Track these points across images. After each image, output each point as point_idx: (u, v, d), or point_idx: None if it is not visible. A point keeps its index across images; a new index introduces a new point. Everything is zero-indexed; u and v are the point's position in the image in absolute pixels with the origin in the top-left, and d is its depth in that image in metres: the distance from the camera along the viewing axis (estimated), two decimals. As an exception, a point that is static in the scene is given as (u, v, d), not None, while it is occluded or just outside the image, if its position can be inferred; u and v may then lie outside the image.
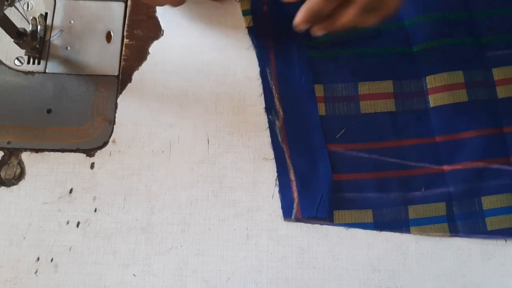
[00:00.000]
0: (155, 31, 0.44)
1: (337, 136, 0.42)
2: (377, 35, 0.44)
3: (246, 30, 0.45)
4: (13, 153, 0.41)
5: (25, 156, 0.41)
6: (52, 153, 0.41)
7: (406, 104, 0.43)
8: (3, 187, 0.40)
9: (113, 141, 0.41)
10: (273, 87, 0.43)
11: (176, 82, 0.43)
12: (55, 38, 0.44)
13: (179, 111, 0.42)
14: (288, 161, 0.41)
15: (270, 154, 0.41)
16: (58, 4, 0.45)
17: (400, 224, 0.40)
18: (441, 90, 0.42)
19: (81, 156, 0.41)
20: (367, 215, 0.40)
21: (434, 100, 0.42)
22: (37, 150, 0.41)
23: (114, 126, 0.42)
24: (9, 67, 0.43)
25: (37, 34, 0.42)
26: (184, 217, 0.40)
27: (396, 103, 0.43)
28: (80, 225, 0.39)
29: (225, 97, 0.43)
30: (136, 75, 0.43)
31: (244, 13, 0.45)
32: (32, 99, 0.42)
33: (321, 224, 0.40)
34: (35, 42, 0.42)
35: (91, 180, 0.40)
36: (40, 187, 0.40)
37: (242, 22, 0.45)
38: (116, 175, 0.40)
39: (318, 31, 0.38)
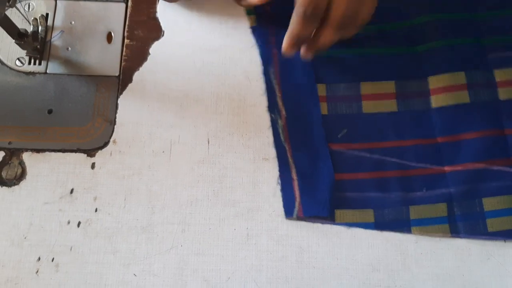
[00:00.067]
0: (156, 32, 0.45)
1: (339, 136, 0.42)
2: (380, 35, 0.44)
3: (247, 31, 0.45)
4: (14, 153, 0.41)
5: (26, 156, 0.41)
6: (53, 153, 0.41)
7: (408, 104, 0.43)
8: (4, 187, 0.40)
9: (114, 141, 0.41)
10: (276, 86, 0.43)
11: (177, 83, 0.43)
12: (56, 39, 0.44)
13: (180, 111, 0.42)
14: (290, 160, 0.41)
15: (270, 154, 0.41)
16: (59, 5, 0.45)
17: (401, 224, 0.40)
18: (443, 91, 0.42)
19: (82, 156, 0.41)
20: (368, 215, 0.40)
21: (436, 101, 0.42)
22: (38, 150, 0.41)
23: (115, 126, 0.42)
24: (10, 68, 0.43)
25: (38, 35, 0.43)
26: (185, 216, 0.40)
27: (398, 104, 0.43)
28: (81, 225, 0.39)
29: (226, 98, 0.43)
30: (136, 76, 0.43)
31: (248, 12, 0.45)
32: (33, 99, 0.42)
33: (322, 223, 0.40)
34: (36, 43, 0.42)
35: (92, 180, 0.40)
36: (41, 187, 0.40)
37: (242, 22, 0.45)
38: (116, 175, 0.41)
39: (305, 54, 0.40)
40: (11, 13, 0.42)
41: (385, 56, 0.44)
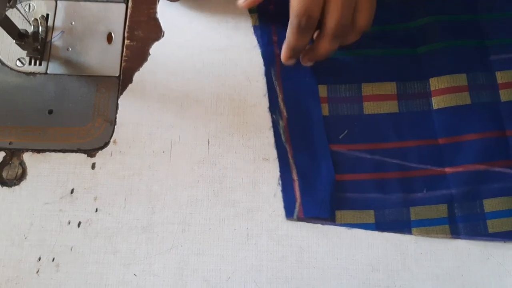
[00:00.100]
0: (156, 32, 0.45)
1: (340, 137, 0.42)
2: (381, 37, 0.44)
3: (247, 32, 0.45)
4: (14, 153, 0.41)
5: (26, 157, 0.41)
6: (53, 153, 0.41)
7: (409, 105, 0.43)
8: (5, 187, 0.40)
9: (114, 142, 0.42)
10: (277, 87, 0.43)
11: (177, 83, 0.43)
12: (57, 39, 0.44)
13: (180, 112, 0.42)
14: (291, 161, 0.41)
15: (270, 154, 0.42)
16: (59, 5, 0.45)
17: (402, 225, 0.40)
18: (444, 92, 0.42)
19: (82, 156, 0.41)
20: (369, 216, 0.40)
21: (437, 102, 0.42)
22: (38, 151, 0.41)
23: (115, 127, 0.42)
24: (10, 68, 0.43)
25: (38, 36, 0.43)
26: (185, 217, 0.40)
27: (399, 105, 0.43)
28: (81, 225, 0.39)
29: (226, 98, 0.43)
30: (137, 76, 0.43)
31: (250, 11, 0.45)
32: (33, 100, 0.42)
33: (322, 224, 0.40)
34: (36, 43, 0.42)
35: (92, 180, 0.40)
36: (41, 187, 0.40)
37: (243, 23, 0.45)
38: (117, 175, 0.41)
39: (306, 63, 0.41)
40: (12, 14, 0.42)
41: (386, 57, 0.44)
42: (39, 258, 0.39)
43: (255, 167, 0.41)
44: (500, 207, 0.40)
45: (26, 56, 0.43)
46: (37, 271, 0.38)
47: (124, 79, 0.43)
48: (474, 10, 0.45)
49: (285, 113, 0.42)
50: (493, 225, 0.40)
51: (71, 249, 0.39)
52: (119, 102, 0.43)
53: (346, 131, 0.42)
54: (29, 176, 0.40)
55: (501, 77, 0.43)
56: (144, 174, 0.41)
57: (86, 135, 0.41)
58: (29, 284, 0.38)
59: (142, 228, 0.39)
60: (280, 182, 0.41)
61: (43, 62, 0.43)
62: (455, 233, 0.40)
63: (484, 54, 0.44)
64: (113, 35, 0.44)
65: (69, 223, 0.39)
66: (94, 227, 0.39)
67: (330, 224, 0.40)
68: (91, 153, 0.41)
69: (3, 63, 0.43)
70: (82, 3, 0.45)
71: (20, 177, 0.40)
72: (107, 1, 0.45)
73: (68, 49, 0.44)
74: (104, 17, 0.45)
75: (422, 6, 0.45)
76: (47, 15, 0.44)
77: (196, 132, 0.42)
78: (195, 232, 0.39)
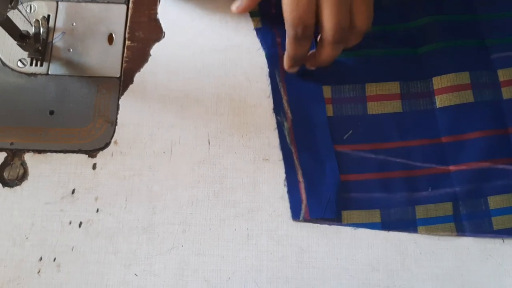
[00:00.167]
0: (157, 33, 0.45)
1: (344, 137, 0.42)
2: (381, 37, 0.44)
3: (247, 32, 0.45)
4: (16, 154, 0.41)
5: (28, 157, 0.41)
6: (54, 154, 0.41)
7: (412, 105, 0.43)
8: (6, 188, 0.40)
9: (115, 142, 0.42)
10: (282, 88, 0.43)
11: (177, 84, 0.43)
12: (58, 40, 0.44)
13: (180, 112, 0.43)
14: (296, 162, 0.41)
15: (271, 155, 0.42)
16: (60, 6, 0.45)
17: (408, 224, 0.40)
18: (447, 91, 0.43)
19: (83, 157, 0.41)
20: (375, 215, 0.40)
21: (440, 101, 0.43)
22: (39, 151, 0.41)
23: (116, 127, 0.42)
24: (12, 69, 0.43)
25: (40, 36, 0.43)
26: (185, 217, 0.40)
27: (402, 104, 0.43)
28: (82, 225, 0.40)
29: (226, 98, 0.43)
30: (137, 77, 0.43)
31: (252, 14, 0.45)
32: (34, 100, 0.42)
33: (329, 225, 0.40)
34: (37, 44, 0.43)
35: (93, 181, 0.41)
36: (42, 187, 0.40)
37: (243, 23, 0.45)
38: (117, 176, 0.41)
39: (310, 67, 0.42)
40: (13, 15, 0.42)
41: (387, 57, 0.44)
42: (40, 258, 0.39)
43: (255, 167, 0.41)
44: (504, 204, 0.40)
45: (28, 57, 0.43)
46: (38, 271, 0.38)
47: (125, 80, 0.43)
48: (474, 10, 0.45)
49: (289, 115, 0.42)
50: (498, 222, 0.40)
51: (72, 249, 0.39)
52: (120, 102, 0.43)
53: (350, 131, 0.42)
54: (30, 177, 0.41)
55: (502, 74, 0.43)
56: (144, 174, 0.41)
57: (87, 135, 0.42)
58: (31, 284, 0.38)
59: (142, 228, 0.40)
60: (286, 184, 0.41)
61: (44, 63, 0.43)
62: (461, 231, 0.40)
63: (485, 53, 0.44)
64: (114, 36, 0.45)
65: (70, 223, 0.40)
66: (95, 227, 0.39)
67: (336, 225, 0.40)
68: (92, 153, 0.41)
69: (4, 64, 0.43)
70: (83, 4, 0.45)
71: (22, 178, 0.40)
72: (108, 2, 0.45)
73: (69, 50, 0.44)
74: (105, 18, 0.45)
75: (421, 8, 0.45)
76: (48, 16, 0.45)
77: (196, 132, 0.42)
78: (195, 232, 0.40)
